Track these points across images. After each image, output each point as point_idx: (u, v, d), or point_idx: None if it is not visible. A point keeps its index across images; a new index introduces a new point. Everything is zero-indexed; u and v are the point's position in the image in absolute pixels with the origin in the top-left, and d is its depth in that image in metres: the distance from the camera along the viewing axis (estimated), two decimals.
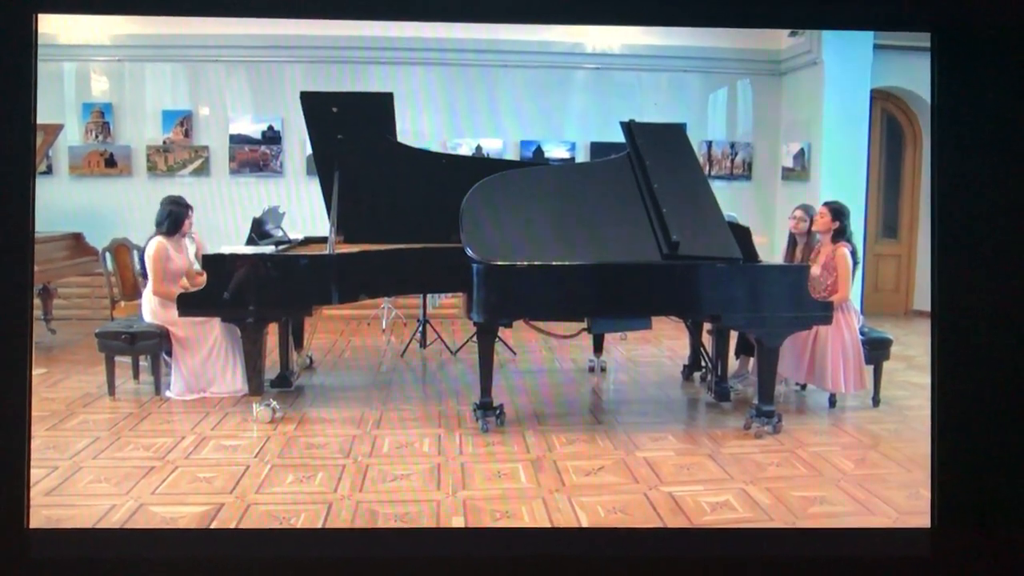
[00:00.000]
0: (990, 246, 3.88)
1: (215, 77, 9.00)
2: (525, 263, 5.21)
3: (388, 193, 6.25)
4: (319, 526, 4.03)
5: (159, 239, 5.97)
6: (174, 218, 6.01)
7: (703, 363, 6.52)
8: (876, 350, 5.94)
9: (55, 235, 7.51)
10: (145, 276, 6.10)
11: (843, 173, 8.56)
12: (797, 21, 5.51)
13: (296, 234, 6.87)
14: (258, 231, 6.39)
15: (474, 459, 4.89)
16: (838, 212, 5.87)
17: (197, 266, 6.27)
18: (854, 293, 6.08)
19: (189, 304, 5.61)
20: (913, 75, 8.74)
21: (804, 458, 4.97)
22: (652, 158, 5.63)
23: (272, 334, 6.15)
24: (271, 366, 6.22)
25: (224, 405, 5.74)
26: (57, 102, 8.84)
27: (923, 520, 3.91)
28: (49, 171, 8.78)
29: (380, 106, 6.07)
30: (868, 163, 8.84)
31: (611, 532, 4.05)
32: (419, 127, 9.07)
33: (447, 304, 8.41)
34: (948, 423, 3.87)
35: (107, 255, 6.70)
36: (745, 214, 7.09)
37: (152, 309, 5.93)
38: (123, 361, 6.11)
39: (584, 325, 5.72)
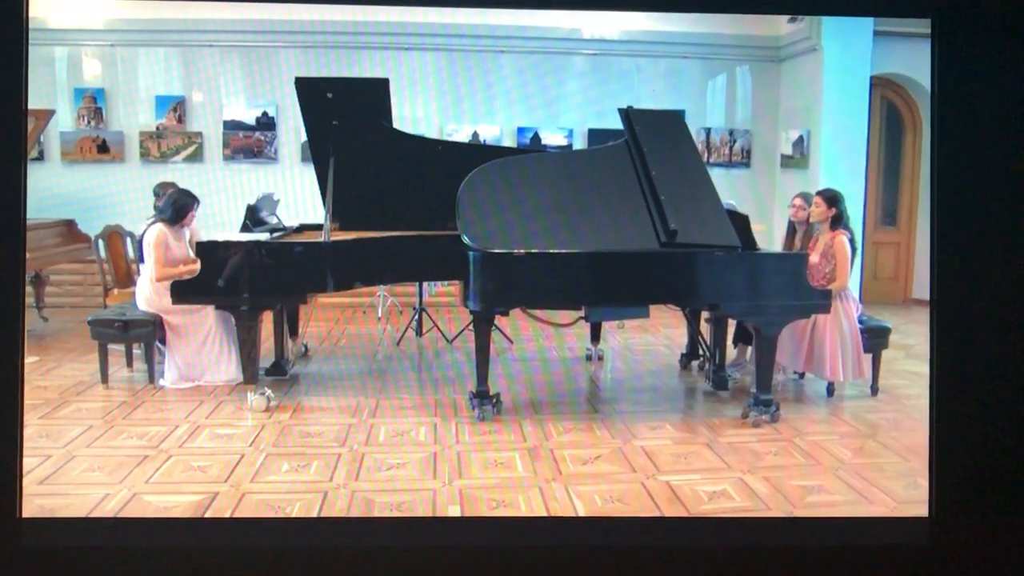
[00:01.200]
0: (989, 234, 3.87)
1: (209, 62, 8.95)
2: (522, 251, 5.19)
3: (384, 180, 6.21)
4: (314, 515, 4.01)
5: (160, 226, 5.92)
6: (179, 208, 5.96)
7: (701, 352, 6.50)
8: (875, 338, 5.92)
9: (47, 222, 7.47)
10: (141, 261, 6.06)
11: (842, 160, 8.55)
12: (797, 7, 5.48)
13: (291, 221, 6.83)
14: (253, 218, 6.37)
15: (470, 448, 4.87)
16: (832, 199, 5.84)
17: (192, 254, 6.24)
18: (853, 281, 6.06)
19: (183, 291, 5.57)
20: (913, 62, 8.72)
21: (802, 447, 4.96)
22: (650, 145, 5.61)
23: (267, 322, 6.12)
24: (266, 354, 6.19)
25: (218, 393, 5.72)
26: (48, 87, 8.78)
27: (921, 509, 3.90)
28: (41, 157, 8.73)
29: (376, 92, 6.04)
30: (867, 150, 8.82)
31: (608, 521, 4.05)
32: (415, 113, 9.04)
33: (443, 292, 8.38)
34: (946, 412, 3.86)
35: (100, 242, 6.67)
36: (744, 202, 7.09)
37: (147, 297, 5.89)
38: (116, 349, 6.09)
39: (581, 313, 5.70)
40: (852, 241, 5.83)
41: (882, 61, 8.75)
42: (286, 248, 5.77)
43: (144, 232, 6.03)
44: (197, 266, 5.60)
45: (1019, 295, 3.86)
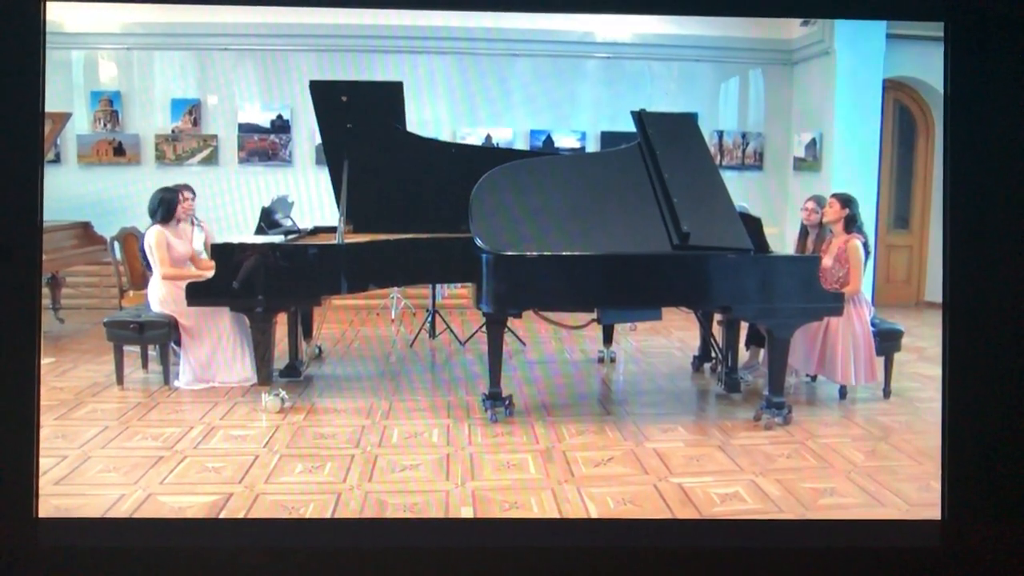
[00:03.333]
0: (1002, 237, 3.85)
1: (224, 65, 9.00)
2: (535, 253, 5.20)
3: (397, 183, 6.24)
4: (328, 516, 4.02)
5: (157, 227, 5.98)
6: (166, 205, 6.03)
7: (713, 354, 6.50)
8: (887, 341, 5.91)
9: (64, 224, 7.52)
10: (150, 268, 6.10)
11: (855, 163, 8.54)
12: (809, 10, 5.48)
13: (305, 223, 6.86)
14: (267, 220, 6.39)
15: (483, 450, 4.88)
16: (846, 200, 5.84)
17: (206, 255, 6.27)
18: (866, 284, 6.04)
19: (198, 293, 5.61)
20: (926, 65, 8.72)
21: (814, 450, 4.95)
22: (663, 148, 5.61)
23: (281, 324, 6.15)
24: (280, 356, 6.22)
25: (233, 395, 5.75)
26: (65, 90, 8.86)
27: (933, 512, 3.89)
28: (57, 160, 8.80)
29: (390, 95, 6.06)
30: (880, 153, 8.80)
31: (620, 523, 4.05)
32: (429, 116, 9.07)
33: (456, 294, 8.40)
34: (959, 415, 3.84)
35: (116, 244, 6.72)
36: (756, 204, 7.07)
37: (160, 298, 5.93)
38: (132, 350, 6.12)
39: (594, 316, 5.71)
40: (865, 245, 5.83)
41: (895, 64, 8.73)
42: (300, 250, 5.80)
43: (143, 237, 6.10)
44: (211, 272, 5.64)
45: None
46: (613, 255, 5.27)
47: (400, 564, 3.81)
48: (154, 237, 5.94)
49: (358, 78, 8.48)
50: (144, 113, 9.05)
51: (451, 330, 7.57)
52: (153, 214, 6.03)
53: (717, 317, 6.34)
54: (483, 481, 4.43)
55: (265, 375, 5.80)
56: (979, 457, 3.82)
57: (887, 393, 5.96)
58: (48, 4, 3.73)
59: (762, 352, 6.11)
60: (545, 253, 5.21)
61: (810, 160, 9.12)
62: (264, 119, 9.14)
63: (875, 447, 5.03)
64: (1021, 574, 3.81)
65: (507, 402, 5.43)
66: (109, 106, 8.96)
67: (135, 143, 9.02)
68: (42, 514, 3.77)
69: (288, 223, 6.64)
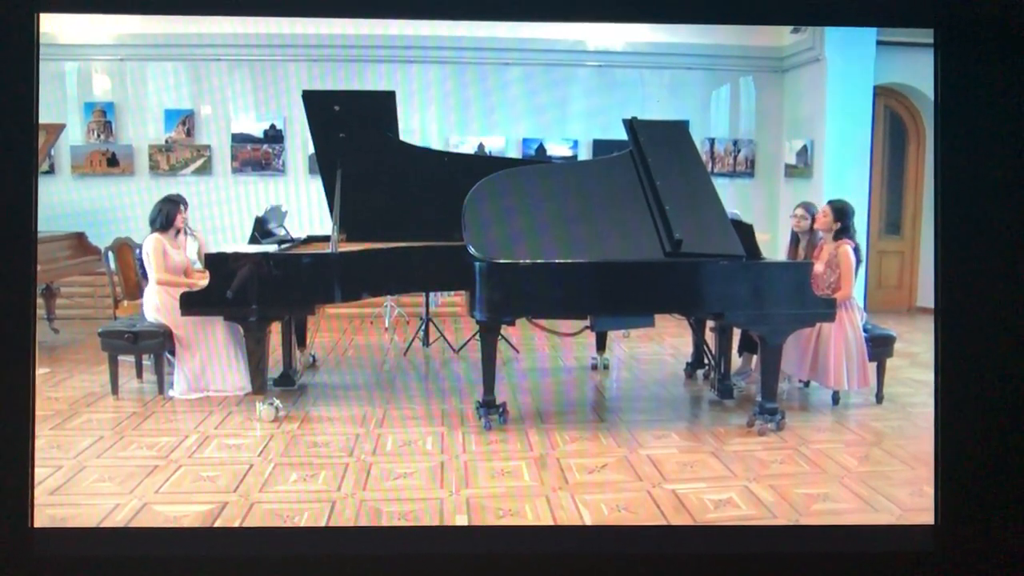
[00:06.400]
0: (994, 242, 3.87)
1: (217, 76, 9.01)
2: (528, 261, 5.21)
3: (391, 191, 6.25)
4: (322, 525, 4.03)
5: (154, 235, 6.00)
6: (166, 214, 6.04)
7: (706, 360, 6.52)
8: (879, 347, 5.93)
9: (58, 235, 7.52)
10: (146, 277, 6.11)
11: (846, 170, 8.58)
12: (800, 17, 5.50)
13: (299, 233, 6.87)
14: (261, 230, 6.40)
15: (477, 457, 4.89)
16: (841, 212, 5.86)
17: (199, 265, 6.28)
18: (857, 290, 6.07)
19: (192, 303, 5.62)
20: (916, 71, 8.76)
21: (807, 455, 4.97)
22: (655, 155, 5.63)
23: (275, 333, 6.16)
24: (274, 365, 6.22)
25: (227, 404, 5.75)
26: (59, 102, 8.86)
27: (927, 517, 3.90)
28: (51, 171, 8.81)
29: (382, 104, 6.08)
30: (871, 160, 8.84)
31: (614, 530, 4.05)
32: (421, 125, 9.09)
33: (447, 302, 8.40)
34: (951, 420, 3.86)
35: (110, 254, 6.71)
36: (748, 211, 7.10)
37: (155, 306, 5.94)
38: (126, 360, 6.12)
39: (587, 323, 5.72)
40: (856, 251, 5.85)
41: (885, 71, 8.78)
42: (294, 259, 5.81)
43: (138, 246, 6.12)
44: (205, 281, 5.65)
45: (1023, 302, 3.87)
46: (606, 263, 5.28)
47: (395, 572, 3.82)
48: (151, 244, 5.97)
49: (351, 88, 8.50)
50: (137, 124, 9.06)
51: (444, 338, 7.58)
52: (152, 222, 6.05)
53: (710, 324, 6.36)
54: (477, 489, 4.44)
55: (259, 384, 5.81)
56: (972, 462, 3.84)
57: (880, 398, 5.98)
58: (42, 16, 3.74)
59: (755, 358, 6.13)
60: (538, 261, 5.23)
61: (801, 167, 9.14)
62: (257, 129, 9.15)
63: (868, 452, 5.05)
64: None
65: (501, 409, 5.44)
66: (103, 117, 8.97)
67: (128, 154, 9.03)
68: (37, 524, 3.77)
69: (281, 232, 6.64)
